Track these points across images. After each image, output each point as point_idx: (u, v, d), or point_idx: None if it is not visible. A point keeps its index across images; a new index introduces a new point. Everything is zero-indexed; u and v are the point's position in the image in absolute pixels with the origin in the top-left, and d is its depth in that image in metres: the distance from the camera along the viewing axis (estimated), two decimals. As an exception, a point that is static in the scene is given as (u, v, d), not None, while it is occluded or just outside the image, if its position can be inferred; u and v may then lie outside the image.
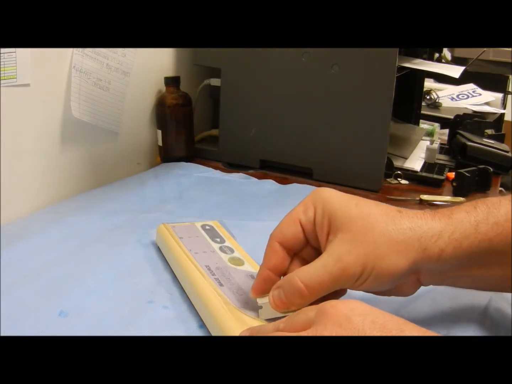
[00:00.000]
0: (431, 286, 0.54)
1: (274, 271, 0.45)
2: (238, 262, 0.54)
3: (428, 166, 0.95)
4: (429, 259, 0.41)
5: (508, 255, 0.41)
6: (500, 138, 1.06)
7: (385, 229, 0.41)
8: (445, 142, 1.11)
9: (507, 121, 1.48)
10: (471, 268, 0.43)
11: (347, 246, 0.41)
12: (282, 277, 0.45)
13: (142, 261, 0.58)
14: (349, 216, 0.42)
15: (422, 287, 0.49)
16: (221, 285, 0.49)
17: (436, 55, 1.41)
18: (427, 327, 0.43)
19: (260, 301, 0.44)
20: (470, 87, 1.45)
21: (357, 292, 0.53)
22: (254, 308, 0.46)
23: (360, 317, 0.34)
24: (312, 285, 0.41)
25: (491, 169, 0.88)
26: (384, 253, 0.41)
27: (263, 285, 0.45)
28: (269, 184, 0.84)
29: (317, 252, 0.45)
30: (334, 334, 0.34)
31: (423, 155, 0.98)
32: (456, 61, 1.59)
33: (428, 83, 1.39)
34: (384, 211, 0.42)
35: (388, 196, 0.83)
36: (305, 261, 0.45)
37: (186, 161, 0.91)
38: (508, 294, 0.53)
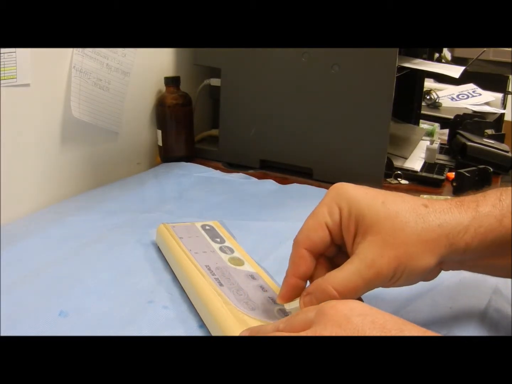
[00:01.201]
0: (431, 286, 0.54)
1: (302, 278, 0.44)
2: (238, 262, 0.54)
3: (428, 166, 0.95)
4: (455, 253, 0.42)
5: None
6: (500, 138, 1.06)
7: (414, 229, 0.41)
8: (445, 142, 1.10)
9: (507, 121, 1.48)
10: (491, 258, 0.43)
11: (378, 249, 0.41)
12: (308, 281, 0.45)
13: (142, 261, 0.58)
14: (377, 217, 0.41)
15: (422, 287, 0.49)
16: (221, 285, 0.49)
17: (436, 55, 1.41)
18: (427, 327, 0.43)
19: (288, 306, 0.44)
20: (470, 87, 1.45)
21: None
22: (254, 308, 0.46)
23: (360, 317, 0.34)
24: (346, 291, 0.41)
25: (491, 169, 0.88)
26: (414, 253, 0.41)
27: (291, 293, 0.44)
28: (269, 184, 0.84)
29: (340, 249, 0.45)
30: (333, 334, 0.34)
31: (423, 155, 0.98)
32: (456, 61, 1.59)
33: (428, 83, 1.39)
34: (412, 208, 0.42)
35: (388, 196, 0.83)
36: (328, 259, 0.45)
37: (186, 161, 0.91)
38: (508, 294, 0.53)
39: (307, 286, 0.44)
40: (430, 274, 0.44)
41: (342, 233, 0.43)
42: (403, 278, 0.41)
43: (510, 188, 0.44)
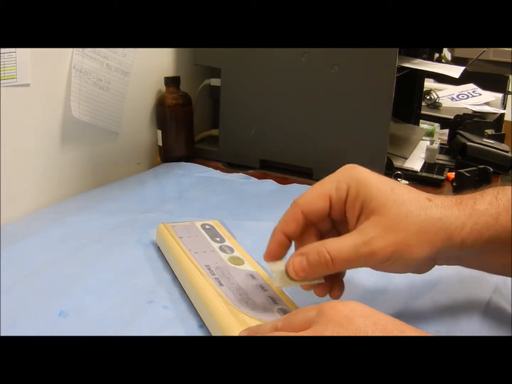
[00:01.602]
0: (431, 286, 0.54)
1: (289, 237, 0.45)
2: (238, 261, 0.54)
3: (428, 166, 0.95)
4: (451, 248, 0.43)
5: None
6: (500, 138, 1.06)
7: (417, 219, 0.42)
8: (445, 142, 1.10)
9: (507, 121, 1.48)
10: (486, 254, 0.45)
11: (379, 230, 0.42)
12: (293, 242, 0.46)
13: (142, 261, 0.58)
14: (385, 201, 0.43)
15: (422, 288, 0.49)
16: (221, 284, 0.49)
17: (436, 55, 1.41)
18: (427, 327, 0.43)
19: (274, 267, 0.44)
20: (470, 87, 1.45)
21: (357, 292, 0.53)
22: (254, 308, 0.46)
23: (362, 318, 0.35)
24: (339, 259, 0.42)
25: (491, 169, 0.88)
26: (413, 242, 0.42)
27: (278, 249, 0.45)
28: (269, 184, 0.84)
29: (333, 225, 0.46)
30: (335, 335, 0.34)
31: (423, 155, 0.98)
32: (456, 61, 1.59)
33: (428, 83, 1.39)
34: (417, 199, 0.43)
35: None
36: (319, 232, 0.46)
37: (186, 161, 0.91)
38: (508, 294, 0.53)
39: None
40: (423, 266, 0.45)
41: (343, 209, 0.44)
42: (396, 264, 0.42)
43: (507, 187, 0.45)
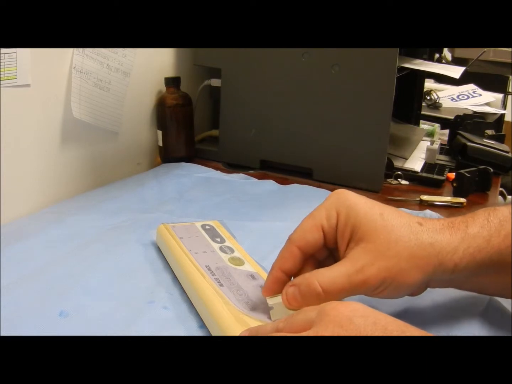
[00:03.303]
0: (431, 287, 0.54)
1: (287, 273, 0.45)
2: (238, 262, 0.54)
3: (428, 166, 0.95)
4: (444, 272, 0.43)
5: None
6: (500, 138, 1.06)
7: (407, 244, 0.42)
8: (445, 143, 1.11)
9: (507, 122, 1.48)
10: (479, 276, 0.45)
11: (370, 257, 0.42)
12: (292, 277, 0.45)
13: (142, 261, 0.58)
14: (374, 227, 0.42)
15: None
16: (221, 285, 0.49)
17: (436, 55, 1.41)
18: (427, 327, 0.43)
19: (271, 301, 0.44)
20: (470, 87, 1.45)
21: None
22: (254, 308, 0.46)
23: (362, 318, 0.35)
24: (331, 290, 0.41)
25: (491, 170, 0.88)
26: (404, 268, 0.41)
27: (276, 285, 0.45)
28: (269, 185, 0.84)
29: (330, 252, 0.46)
30: (335, 335, 0.34)
31: (423, 155, 0.98)
32: (456, 61, 1.59)
33: (429, 84, 1.39)
34: (407, 224, 0.43)
35: (388, 197, 0.83)
36: (317, 260, 0.46)
37: (186, 162, 0.91)
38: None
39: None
40: (416, 290, 0.45)
41: (336, 237, 0.44)
42: (388, 290, 0.42)
43: (498, 208, 0.45)
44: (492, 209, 0.45)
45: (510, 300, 0.52)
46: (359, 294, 0.43)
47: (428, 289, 0.46)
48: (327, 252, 0.46)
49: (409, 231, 0.42)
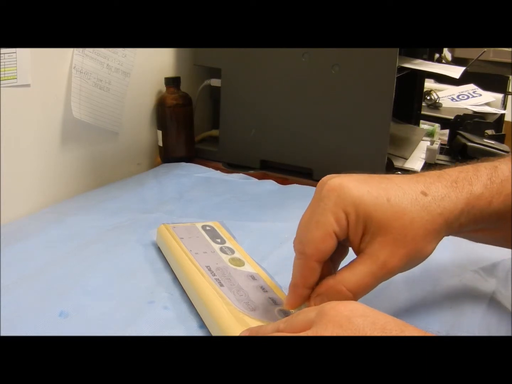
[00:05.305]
0: (431, 287, 0.54)
1: (311, 288, 0.44)
2: (239, 262, 0.54)
3: (428, 166, 0.95)
4: (450, 232, 0.45)
5: None
6: (500, 138, 1.06)
7: (420, 223, 0.42)
8: (445, 143, 1.10)
9: (507, 122, 1.48)
10: (479, 231, 0.47)
11: (390, 249, 0.42)
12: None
13: (142, 261, 0.58)
14: (385, 217, 0.42)
15: (423, 288, 0.49)
16: (221, 285, 0.49)
17: (437, 55, 1.41)
18: (427, 327, 0.43)
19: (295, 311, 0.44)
20: (470, 87, 1.45)
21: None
22: (255, 308, 0.46)
23: (361, 318, 0.35)
24: (359, 291, 0.42)
25: (491, 170, 0.88)
26: (422, 245, 0.43)
27: (300, 301, 0.44)
28: (269, 185, 0.84)
29: (341, 246, 0.45)
30: (334, 335, 0.34)
31: (423, 155, 0.98)
32: (456, 61, 1.59)
33: (429, 84, 1.39)
34: (414, 199, 0.43)
35: (388, 197, 0.83)
36: (330, 260, 0.45)
37: (186, 162, 0.91)
38: (508, 294, 0.53)
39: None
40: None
41: (348, 235, 0.43)
42: (408, 267, 0.44)
43: (498, 166, 0.46)
44: (493, 167, 0.46)
45: (510, 300, 0.52)
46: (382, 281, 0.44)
47: (429, 289, 0.47)
48: (338, 248, 0.46)
49: (418, 208, 0.43)
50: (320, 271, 0.44)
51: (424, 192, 0.43)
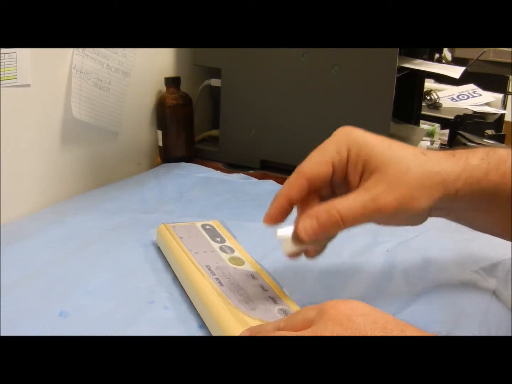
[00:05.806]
0: (431, 287, 0.54)
1: (291, 202, 0.46)
2: (239, 261, 0.54)
3: (428, 166, 0.95)
4: (446, 198, 0.45)
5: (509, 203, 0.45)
6: (500, 138, 1.06)
7: (415, 174, 0.44)
8: (445, 143, 1.10)
9: (507, 122, 1.48)
10: (475, 211, 0.47)
11: (383, 186, 0.44)
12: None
13: (142, 261, 0.58)
14: (385, 159, 0.44)
15: (422, 288, 0.49)
16: (221, 285, 0.49)
17: (437, 55, 1.41)
18: (427, 327, 0.43)
19: (281, 233, 0.46)
20: (470, 87, 1.45)
21: (359, 290, 0.53)
22: (255, 308, 0.46)
23: (361, 317, 0.35)
24: (348, 217, 0.43)
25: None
26: (415, 196, 0.44)
27: (279, 214, 0.46)
28: (269, 185, 0.84)
29: (333, 189, 0.48)
30: (334, 334, 0.34)
31: (423, 155, 0.98)
32: (456, 61, 1.59)
33: (429, 84, 1.39)
34: (413, 154, 0.45)
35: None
36: (320, 197, 0.48)
37: (186, 162, 0.91)
38: (508, 294, 0.53)
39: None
40: (420, 217, 0.47)
41: (345, 172, 0.46)
42: (399, 217, 0.45)
43: (496, 148, 0.47)
44: (492, 148, 0.47)
45: (510, 300, 0.52)
46: (372, 221, 0.45)
47: (429, 289, 0.47)
48: (330, 189, 0.48)
49: (415, 162, 0.44)
50: (305, 193, 0.46)
51: (424, 153, 0.46)
